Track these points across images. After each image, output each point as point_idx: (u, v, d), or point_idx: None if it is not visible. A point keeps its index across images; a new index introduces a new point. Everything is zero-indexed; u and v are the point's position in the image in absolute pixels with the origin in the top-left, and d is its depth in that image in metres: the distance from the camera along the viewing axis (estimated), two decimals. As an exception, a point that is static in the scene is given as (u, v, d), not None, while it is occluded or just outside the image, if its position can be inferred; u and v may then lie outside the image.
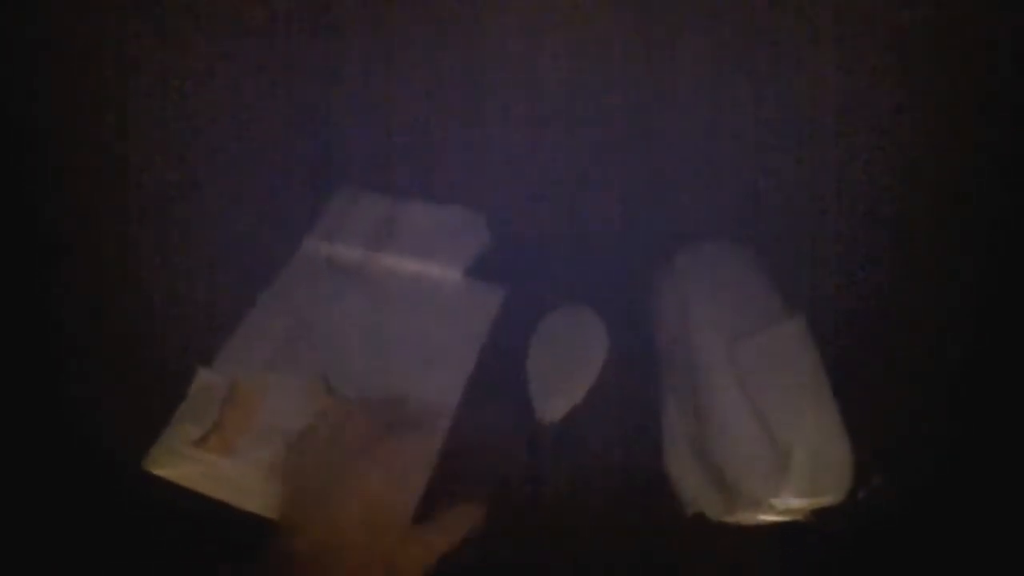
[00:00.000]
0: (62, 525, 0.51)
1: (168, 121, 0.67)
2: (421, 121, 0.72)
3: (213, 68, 0.66)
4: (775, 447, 0.47)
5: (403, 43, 0.69)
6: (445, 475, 0.48)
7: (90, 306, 0.61)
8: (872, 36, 0.61)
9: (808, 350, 0.50)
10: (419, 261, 0.64)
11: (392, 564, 0.44)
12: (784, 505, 0.46)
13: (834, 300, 0.59)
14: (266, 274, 0.63)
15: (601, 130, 0.69)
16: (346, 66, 0.70)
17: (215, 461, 0.52)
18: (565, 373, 0.55)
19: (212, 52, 0.66)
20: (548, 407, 0.54)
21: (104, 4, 0.63)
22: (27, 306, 0.60)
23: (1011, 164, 0.61)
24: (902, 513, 0.50)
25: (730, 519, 0.48)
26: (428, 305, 0.61)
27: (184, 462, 0.52)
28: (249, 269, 0.63)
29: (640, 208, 0.68)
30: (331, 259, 0.64)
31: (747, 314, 0.52)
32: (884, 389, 0.56)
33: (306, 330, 0.59)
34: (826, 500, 0.46)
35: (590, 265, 0.63)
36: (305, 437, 0.50)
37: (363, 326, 0.60)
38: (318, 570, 0.42)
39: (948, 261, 0.63)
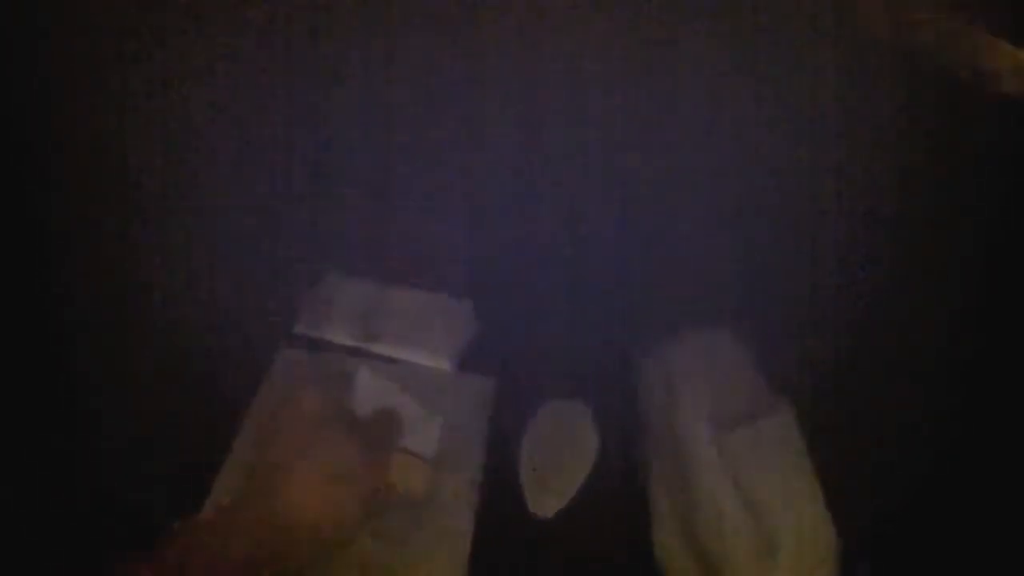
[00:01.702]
0: (59, 533, 0.51)
1: (168, 121, 0.67)
2: (421, 121, 0.72)
3: (213, 68, 0.66)
4: (762, 533, 0.48)
5: (403, 43, 0.69)
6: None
7: (90, 306, 0.61)
8: (872, 36, 0.61)
9: (795, 437, 0.52)
10: (408, 352, 0.63)
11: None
12: None
13: (834, 300, 0.59)
14: (265, 276, 0.63)
15: (601, 131, 0.69)
16: (346, 66, 0.70)
17: None
18: (558, 470, 0.56)
19: (212, 52, 0.66)
20: (541, 503, 0.55)
21: (104, 4, 0.63)
22: (27, 306, 0.60)
23: (1011, 164, 0.61)
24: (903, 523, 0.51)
25: None
26: (421, 402, 0.57)
27: None
28: (249, 270, 0.63)
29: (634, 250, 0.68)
30: (314, 359, 0.62)
31: (734, 403, 0.54)
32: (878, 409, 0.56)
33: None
34: None
35: (578, 345, 0.64)
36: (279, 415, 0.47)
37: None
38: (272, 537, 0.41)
39: (948, 261, 0.63)
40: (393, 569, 0.50)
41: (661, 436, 0.55)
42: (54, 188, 0.66)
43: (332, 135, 0.73)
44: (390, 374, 0.57)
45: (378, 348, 0.64)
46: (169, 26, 0.65)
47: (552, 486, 0.56)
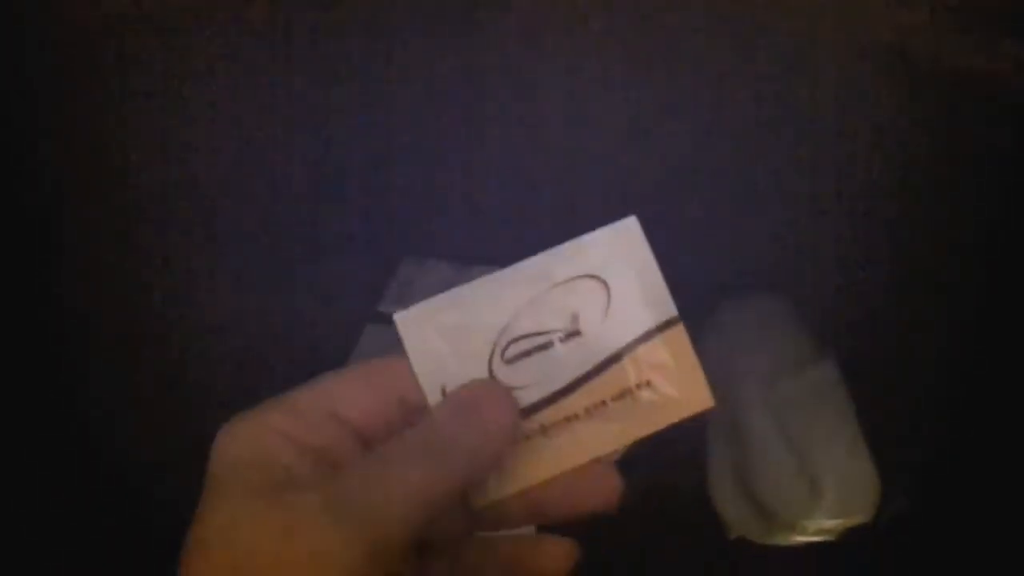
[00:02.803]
0: (64, 534, 0.51)
1: (168, 121, 0.67)
2: (421, 121, 0.72)
3: (213, 68, 0.66)
4: (807, 474, 0.53)
5: (403, 43, 0.69)
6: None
7: (90, 307, 0.61)
8: (872, 36, 0.61)
9: (839, 389, 0.56)
10: None
11: None
12: (816, 526, 0.52)
13: (834, 300, 0.59)
14: (266, 276, 0.63)
15: (600, 131, 0.69)
16: (346, 66, 0.70)
17: None
18: None
19: (212, 52, 0.66)
20: None
21: (104, 4, 0.63)
22: (26, 307, 0.60)
23: (1011, 164, 0.61)
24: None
25: (769, 541, 0.54)
26: None
27: None
28: (249, 269, 0.63)
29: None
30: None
31: (783, 359, 0.58)
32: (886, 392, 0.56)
33: None
34: (854, 520, 0.52)
35: None
36: None
37: None
38: None
39: (948, 262, 0.63)
40: None
41: (717, 391, 0.58)
42: (54, 188, 0.66)
43: (332, 135, 0.73)
44: None
45: None
46: (169, 26, 0.65)
47: None
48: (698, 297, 0.61)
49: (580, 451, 0.25)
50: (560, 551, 0.28)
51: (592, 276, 0.26)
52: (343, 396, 0.25)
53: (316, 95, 0.71)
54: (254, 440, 0.24)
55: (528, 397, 0.25)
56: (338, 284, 0.69)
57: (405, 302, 0.65)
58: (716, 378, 0.57)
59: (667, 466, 0.56)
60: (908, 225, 0.65)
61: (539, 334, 0.26)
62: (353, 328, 0.67)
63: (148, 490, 0.51)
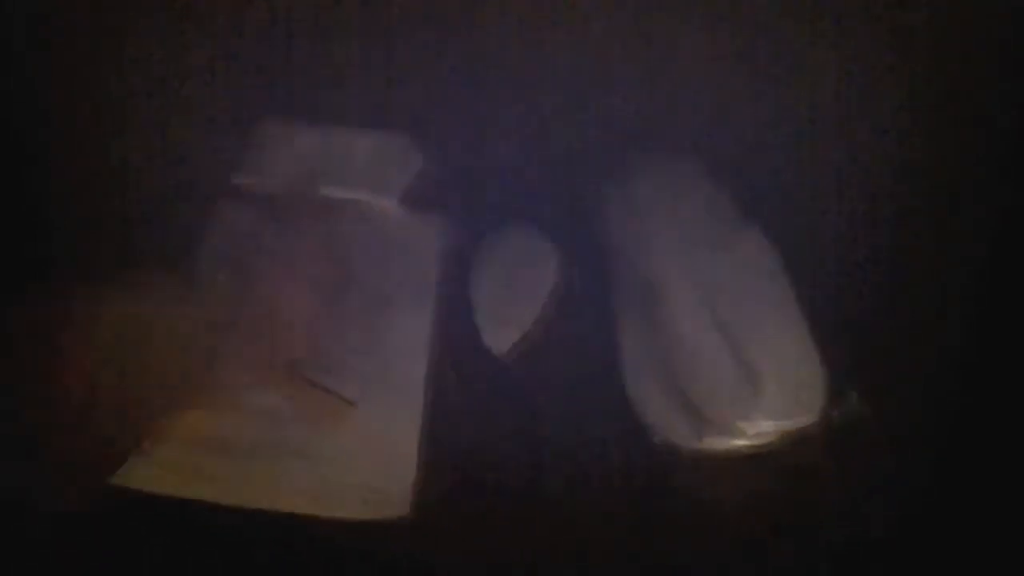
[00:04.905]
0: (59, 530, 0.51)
1: (168, 121, 0.67)
2: (421, 121, 0.72)
3: (213, 68, 0.66)
4: (741, 365, 0.44)
5: (403, 43, 0.69)
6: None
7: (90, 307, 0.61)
8: (872, 36, 0.61)
9: (770, 262, 0.48)
10: (353, 191, 0.61)
11: None
12: (755, 429, 0.43)
13: (835, 300, 0.59)
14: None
15: (600, 131, 0.69)
16: (346, 66, 0.70)
17: None
18: (512, 300, 0.51)
19: (212, 52, 0.66)
20: (497, 338, 0.49)
21: (104, 4, 0.63)
22: (25, 307, 0.60)
23: (1011, 164, 0.62)
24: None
25: (699, 446, 0.44)
26: (371, 243, 0.56)
27: None
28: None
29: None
30: (261, 202, 0.60)
31: (705, 230, 0.49)
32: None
33: (247, 281, 0.54)
34: (799, 422, 0.43)
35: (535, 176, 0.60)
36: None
37: (310, 272, 0.53)
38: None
39: (948, 261, 0.63)
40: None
41: (629, 271, 0.50)
42: (54, 188, 0.66)
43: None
44: (341, 222, 0.57)
45: (322, 190, 0.61)
46: (169, 26, 0.65)
47: (506, 317, 0.50)
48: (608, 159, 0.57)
49: None
50: None
51: None
52: None
53: (316, 95, 0.71)
54: None
55: None
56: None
57: (264, 170, 0.66)
58: (627, 252, 0.48)
59: (572, 361, 0.49)
60: (908, 225, 0.65)
61: None
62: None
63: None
